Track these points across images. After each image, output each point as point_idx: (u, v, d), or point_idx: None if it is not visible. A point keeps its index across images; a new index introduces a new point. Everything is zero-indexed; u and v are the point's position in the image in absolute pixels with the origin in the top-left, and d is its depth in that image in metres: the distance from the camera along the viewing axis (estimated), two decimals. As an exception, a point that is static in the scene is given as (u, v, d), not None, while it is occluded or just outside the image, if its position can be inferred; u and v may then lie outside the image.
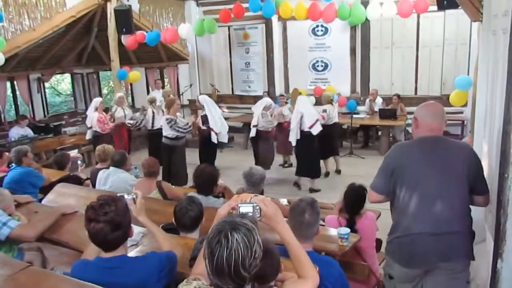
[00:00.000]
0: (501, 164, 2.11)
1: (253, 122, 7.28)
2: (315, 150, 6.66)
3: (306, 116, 6.44)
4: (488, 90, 2.72)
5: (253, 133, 7.28)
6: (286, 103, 8.16)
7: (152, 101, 7.86)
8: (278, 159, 8.01)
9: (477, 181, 2.38)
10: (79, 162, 5.60)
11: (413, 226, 2.38)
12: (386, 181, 2.49)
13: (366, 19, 7.98)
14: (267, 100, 7.48)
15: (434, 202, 2.33)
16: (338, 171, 7.63)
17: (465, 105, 7.15)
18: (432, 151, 2.40)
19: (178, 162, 6.55)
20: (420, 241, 2.36)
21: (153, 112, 7.56)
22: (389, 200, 2.55)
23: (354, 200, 3.29)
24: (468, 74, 7.84)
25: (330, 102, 7.26)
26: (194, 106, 8.86)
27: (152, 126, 7.52)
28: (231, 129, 8.29)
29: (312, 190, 6.73)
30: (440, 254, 2.34)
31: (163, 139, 6.48)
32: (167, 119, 6.36)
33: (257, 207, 1.69)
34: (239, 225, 1.42)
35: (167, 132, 6.40)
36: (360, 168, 7.56)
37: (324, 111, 7.07)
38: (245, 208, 1.67)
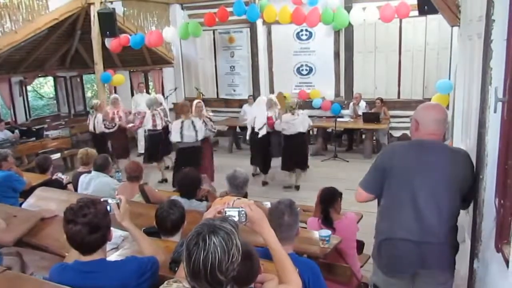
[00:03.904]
0: (476, 166, 2.16)
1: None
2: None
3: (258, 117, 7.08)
4: (465, 93, 2.77)
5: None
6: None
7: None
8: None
9: (471, 190, 2.24)
10: (64, 180, 5.06)
11: (396, 230, 2.29)
12: (376, 180, 2.38)
13: (350, 23, 8.07)
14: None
15: (422, 210, 2.22)
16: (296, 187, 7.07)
17: (447, 108, 7.26)
18: (427, 156, 2.25)
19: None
20: (401, 246, 2.28)
21: None
22: (375, 199, 2.46)
23: (325, 198, 3.36)
24: (449, 78, 7.96)
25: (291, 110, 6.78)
26: (178, 110, 8.75)
27: None
28: (216, 133, 8.35)
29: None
30: (420, 261, 2.26)
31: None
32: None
33: (243, 212, 1.71)
34: (218, 228, 1.42)
35: None
36: (344, 171, 7.63)
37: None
38: (231, 212, 1.70)
